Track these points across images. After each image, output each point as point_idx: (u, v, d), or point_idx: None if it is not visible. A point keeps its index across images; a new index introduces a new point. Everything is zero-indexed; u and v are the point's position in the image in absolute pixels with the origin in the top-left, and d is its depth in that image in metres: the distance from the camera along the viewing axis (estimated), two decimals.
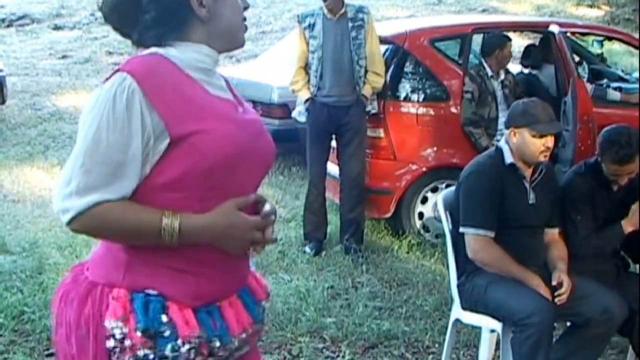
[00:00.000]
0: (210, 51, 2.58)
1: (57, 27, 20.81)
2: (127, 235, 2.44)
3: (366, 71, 7.58)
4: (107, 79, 2.41)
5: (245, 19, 2.63)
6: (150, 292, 2.46)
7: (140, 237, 2.43)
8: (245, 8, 2.64)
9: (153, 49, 2.51)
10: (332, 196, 8.10)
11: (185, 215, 2.42)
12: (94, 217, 2.38)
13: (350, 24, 7.50)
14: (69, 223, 2.41)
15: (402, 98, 7.96)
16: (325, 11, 7.53)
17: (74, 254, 7.14)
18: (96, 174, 2.35)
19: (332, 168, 7.97)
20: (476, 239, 4.74)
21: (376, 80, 7.64)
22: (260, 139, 2.61)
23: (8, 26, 21.48)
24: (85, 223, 2.39)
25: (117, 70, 2.41)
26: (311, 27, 7.53)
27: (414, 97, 8.00)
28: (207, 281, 2.54)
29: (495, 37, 8.26)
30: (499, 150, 4.89)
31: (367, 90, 7.59)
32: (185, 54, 2.51)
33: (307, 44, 7.56)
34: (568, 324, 4.91)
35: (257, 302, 2.75)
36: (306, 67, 7.64)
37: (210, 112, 2.46)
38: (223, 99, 2.57)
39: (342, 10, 7.53)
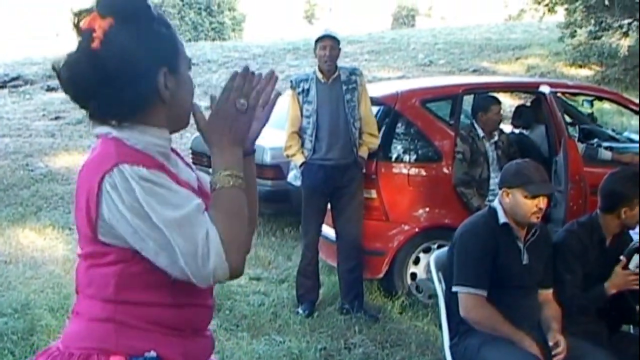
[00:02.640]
0: (167, 134, 2.56)
1: (50, 89, 20.87)
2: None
3: (361, 132, 7.60)
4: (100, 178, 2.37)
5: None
6: (148, 355, 2.45)
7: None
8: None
9: (107, 129, 2.47)
10: (325, 258, 8.08)
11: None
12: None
13: (344, 87, 7.53)
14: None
15: (394, 159, 7.97)
16: (319, 75, 7.56)
17: (65, 315, 7.10)
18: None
19: (326, 230, 7.95)
20: (469, 298, 4.73)
21: (372, 141, 7.68)
22: None
23: (1, 87, 21.57)
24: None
25: (110, 169, 2.36)
26: (305, 92, 7.55)
27: (406, 157, 8.00)
28: (192, 344, 2.56)
29: (483, 99, 8.31)
30: (493, 210, 4.91)
31: (363, 152, 7.61)
32: (145, 138, 2.47)
33: (301, 108, 7.58)
34: None
35: None
36: (299, 132, 7.64)
37: None
38: (189, 182, 2.57)
39: (335, 74, 7.57)
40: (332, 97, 7.52)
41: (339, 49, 7.63)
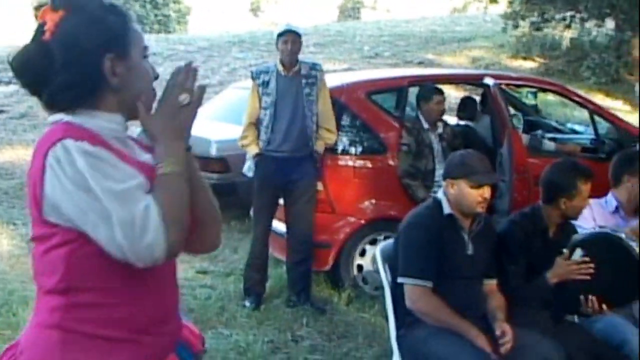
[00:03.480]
0: (122, 120, 2.57)
1: None
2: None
3: (318, 127, 7.61)
4: (43, 156, 2.36)
5: (154, 89, 2.62)
6: None
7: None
8: (156, 77, 2.63)
9: (60, 116, 2.48)
10: (273, 251, 8.06)
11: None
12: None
13: (303, 81, 7.52)
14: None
15: (339, 151, 7.97)
16: (280, 68, 7.55)
17: (10, 311, 7.02)
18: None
19: (275, 224, 7.92)
20: (414, 289, 4.75)
21: (329, 136, 7.68)
22: None
23: None
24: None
25: (53, 144, 2.36)
26: (265, 84, 7.53)
27: (352, 150, 8.01)
28: (141, 347, 2.52)
29: (427, 91, 8.33)
30: (437, 201, 4.93)
31: (319, 146, 7.60)
32: (96, 122, 2.49)
33: (260, 100, 7.56)
34: None
35: (194, 354, 2.74)
36: (256, 123, 7.62)
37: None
38: (145, 163, 2.56)
39: (296, 67, 7.57)
40: (292, 91, 7.51)
41: (301, 43, 7.63)
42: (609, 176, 5.93)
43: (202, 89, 2.52)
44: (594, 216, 5.56)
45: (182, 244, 2.40)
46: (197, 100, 2.49)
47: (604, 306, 4.96)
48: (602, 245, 4.96)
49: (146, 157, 2.59)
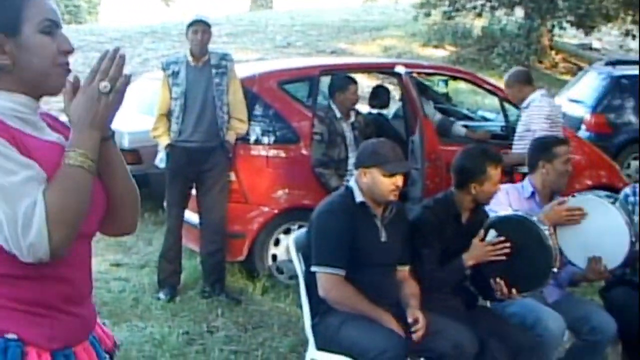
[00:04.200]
0: (28, 99, 2.51)
1: None
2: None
3: (229, 117, 7.58)
4: None
5: (66, 63, 2.54)
6: (9, 336, 2.39)
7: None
8: (68, 52, 2.55)
9: None
10: (187, 242, 8.02)
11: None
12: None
13: (213, 71, 7.49)
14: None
15: (252, 141, 7.95)
16: (190, 58, 7.51)
17: None
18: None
19: (189, 215, 7.88)
20: (328, 278, 4.76)
21: (240, 126, 7.66)
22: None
23: None
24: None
25: None
26: (175, 74, 7.48)
27: (264, 139, 7.99)
28: (60, 324, 2.49)
29: (338, 79, 8.35)
30: (349, 190, 4.95)
31: (230, 137, 7.58)
32: None
33: (170, 91, 7.51)
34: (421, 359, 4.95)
35: (106, 351, 2.72)
36: (168, 114, 7.56)
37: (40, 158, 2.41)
38: (51, 143, 2.51)
39: (206, 57, 7.53)
40: (202, 81, 7.47)
41: (210, 33, 7.59)
42: (526, 162, 6.01)
43: (127, 77, 2.45)
44: (510, 201, 5.62)
45: (69, 245, 2.35)
46: (118, 89, 2.42)
47: (514, 290, 5.04)
48: (515, 227, 5.04)
49: (55, 137, 2.55)
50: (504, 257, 4.98)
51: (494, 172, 5.16)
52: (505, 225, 5.05)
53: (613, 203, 5.37)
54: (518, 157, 7.63)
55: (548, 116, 8.07)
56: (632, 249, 5.32)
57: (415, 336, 4.64)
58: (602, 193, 5.66)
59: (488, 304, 5.48)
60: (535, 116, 8.11)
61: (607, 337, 5.45)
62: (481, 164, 5.15)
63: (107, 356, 2.74)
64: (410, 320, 4.70)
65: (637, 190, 5.92)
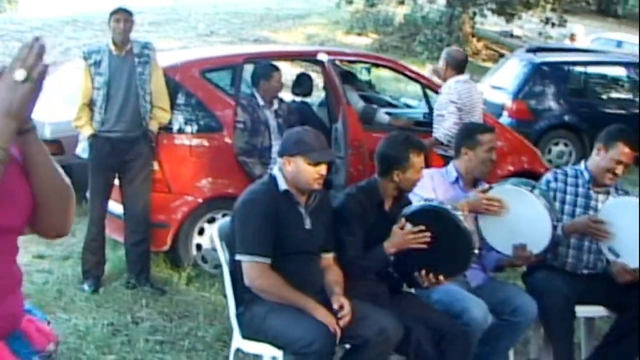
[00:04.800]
0: None
1: None
2: None
3: (152, 107, 7.52)
4: None
5: None
6: None
7: None
8: None
9: None
10: (111, 233, 7.95)
11: None
12: None
13: (136, 60, 7.43)
14: None
15: (175, 130, 7.92)
16: (112, 48, 7.43)
17: None
18: None
19: (112, 206, 7.81)
20: (252, 267, 4.76)
21: (163, 115, 7.62)
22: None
23: None
24: None
25: None
26: (97, 64, 7.40)
27: (187, 128, 7.97)
28: None
29: (263, 68, 8.34)
30: (273, 178, 4.94)
31: (153, 126, 7.53)
32: None
33: (93, 80, 7.42)
34: (347, 346, 4.97)
35: (35, 352, 2.67)
36: (90, 104, 7.48)
37: None
38: None
39: (128, 47, 7.46)
40: (124, 70, 7.41)
41: (132, 22, 7.53)
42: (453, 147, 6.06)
43: (44, 66, 2.41)
44: (434, 186, 5.67)
45: None
46: (35, 78, 2.39)
47: (441, 277, 5.09)
48: (429, 217, 5.07)
49: None
50: (424, 246, 5.02)
51: (417, 160, 5.19)
52: (419, 217, 5.08)
53: (532, 190, 5.43)
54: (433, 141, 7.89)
55: (454, 101, 8.24)
56: (554, 234, 5.41)
57: (341, 322, 4.66)
58: (521, 181, 5.71)
59: (413, 290, 5.52)
60: (444, 102, 8.31)
61: (528, 319, 5.55)
62: (404, 152, 5.18)
63: (36, 357, 2.69)
64: (335, 306, 4.72)
65: (559, 175, 6.01)
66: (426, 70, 9.83)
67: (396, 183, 5.21)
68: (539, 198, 5.38)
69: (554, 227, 5.38)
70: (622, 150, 5.77)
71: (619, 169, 5.81)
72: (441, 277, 5.08)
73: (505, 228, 5.45)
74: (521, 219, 5.42)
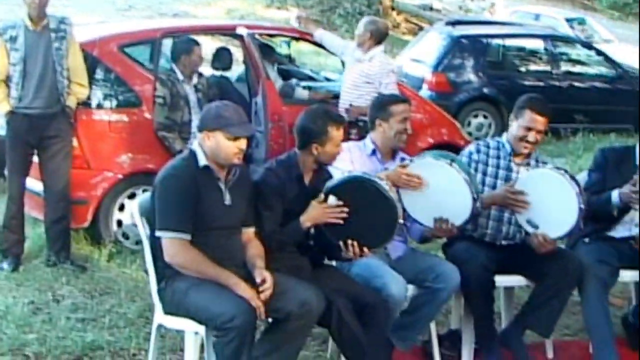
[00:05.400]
0: None
1: None
2: None
3: (70, 82, 7.43)
4: None
5: None
6: None
7: None
8: None
9: None
10: (29, 210, 7.86)
11: None
12: None
13: (52, 35, 7.31)
14: None
15: (93, 106, 7.85)
16: (28, 23, 7.31)
17: None
18: None
19: (31, 183, 7.71)
20: (172, 243, 4.74)
21: (80, 91, 7.53)
22: None
23: None
24: None
25: None
26: (13, 39, 7.27)
27: (106, 104, 7.92)
28: None
29: (182, 42, 8.30)
30: (192, 153, 4.91)
31: (71, 101, 7.44)
32: None
33: (8, 56, 7.30)
34: (269, 320, 4.98)
35: None
36: (6, 80, 7.36)
37: None
38: None
39: (44, 22, 7.34)
40: (41, 46, 7.30)
41: None
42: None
43: None
44: (352, 159, 5.69)
45: None
46: None
47: (365, 249, 5.12)
48: (354, 189, 5.09)
49: None
50: (341, 222, 5.05)
51: (336, 133, 5.20)
52: (343, 189, 5.10)
53: (451, 163, 5.48)
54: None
55: (394, 70, 8.37)
56: (475, 206, 5.47)
57: (262, 296, 4.66)
58: (441, 153, 5.76)
59: (334, 263, 5.55)
60: (381, 72, 8.43)
61: (450, 286, 5.58)
62: (323, 125, 5.18)
63: None
64: (258, 280, 4.71)
65: (481, 147, 6.08)
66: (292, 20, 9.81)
67: (315, 156, 5.22)
68: (459, 171, 5.43)
69: (474, 200, 5.43)
70: (531, 117, 5.88)
71: (531, 136, 5.90)
72: (365, 249, 5.12)
73: (426, 201, 5.49)
74: (442, 192, 5.46)
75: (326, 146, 5.18)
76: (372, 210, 5.06)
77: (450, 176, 5.44)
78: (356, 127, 8.13)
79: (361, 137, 7.50)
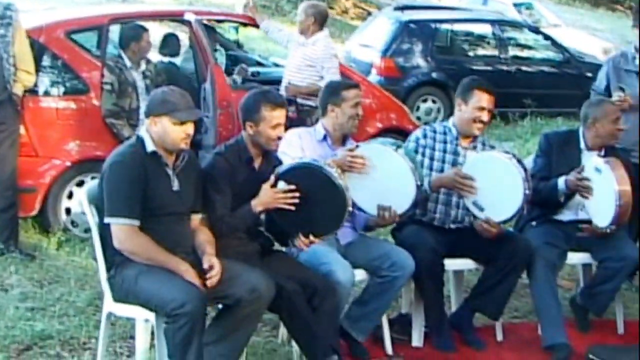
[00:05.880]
0: None
1: None
2: None
3: (16, 69, 7.34)
4: None
5: None
6: None
7: None
8: None
9: None
10: None
11: None
12: None
13: None
14: None
15: (41, 93, 7.79)
16: None
17: None
18: None
19: None
20: (121, 229, 4.72)
21: (27, 78, 7.44)
22: None
23: None
24: None
25: None
26: None
27: (53, 91, 7.88)
28: None
29: (130, 29, 8.26)
30: (140, 139, 4.89)
31: (18, 89, 7.34)
32: None
33: None
34: (220, 306, 4.99)
35: None
36: None
37: None
38: None
39: None
40: None
41: None
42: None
43: None
44: (302, 145, 5.69)
45: None
46: None
47: (313, 238, 5.14)
48: (303, 174, 5.11)
49: None
50: (292, 207, 5.07)
51: (270, 114, 5.19)
52: (293, 174, 5.12)
53: (396, 150, 5.50)
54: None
55: (336, 55, 8.39)
56: (419, 192, 5.50)
57: (209, 282, 4.67)
58: (388, 140, 5.79)
59: (284, 248, 5.56)
60: (325, 56, 8.42)
61: (406, 273, 5.62)
62: (256, 104, 5.20)
63: None
64: (205, 266, 4.72)
65: (428, 132, 6.12)
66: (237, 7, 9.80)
67: (251, 136, 5.22)
68: (404, 158, 5.45)
69: (418, 187, 5.46)
70: (481, 97, 5.96)
71: (484, 116, 5.99)
72: (313, 238, 5.14)
73: (370, 187, 5.50)
74: (386, 179, 5.49)
75: (260, 126, 5.18)
76: (321, 198, 5.08)
77: (395, 162, 5.47)
78: (294, 105, 8.20)
79: (299, 116, 7.57)
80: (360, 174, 5.49)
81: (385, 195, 5.51)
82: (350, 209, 5.17)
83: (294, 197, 5.06)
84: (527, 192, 5.57)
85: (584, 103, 6.54)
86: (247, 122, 5.23)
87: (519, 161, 5.67)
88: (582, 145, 6.32)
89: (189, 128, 4.85)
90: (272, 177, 5.11)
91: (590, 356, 5.65)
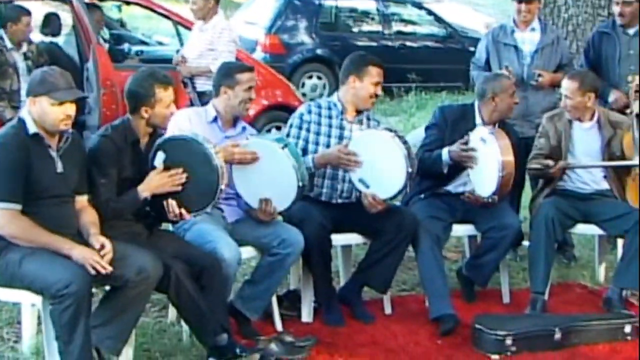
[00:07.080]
0: None
1: None
2: None
3: None
4: None
5: None
6: None
7: None
8: None
9: None
10: None
11: None
12: None
13: None
14: None
15: None
16: None
17: None
18: None
19: None
20: (2, 213, 4.63)
21: None
22: None
23: None
24: None
25: None
26: None
27: None
28: None
29: (10, 9, 8.12)
30: (21, 121, 4.80)
31: None
32: None
33: None
34: (107, 288, 4.94)
35: None
36: None
37: None
38: None
39: None
40: None
41: None
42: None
43: None
44: (192, 126, 5.65)
45: None
46: None
47: (183, 211, 5.14)
48: (182, 147, 5.12)
49: None
50: (179, 188, 5.07)
51: (164, 94, 5.17)
52: (172, 146, 5.12)
53: (283, 148, 5.50)
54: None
55: (235, 40, 8.34)
56: (299, 192, 5.55)
57: (105, 259, 4.60)
58: (280, 137, 5.81)
59: (170, 227, 5.53)
60: (224, 40, 8.35)
61: (297, 250, 5.65)
62: (149, 87, 5.15)
63: None
64: (97, 246, 4.66)
65: (312, 108, 6.14)
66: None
67: (147, 120, 5.18)
68: (288, 157, 5.47)
69: (299, 188, 5.50)
70: (376, 71, 6.05)
71: (378, 89, 6.09)
72: (184, 212, 5.14)
73: (254, 180, 5.54)
74: (270, 174, 5.51)
75: (156, 108, 5.15)
76: (197, 173, 5.09)
77: (279, 160, 5.48)
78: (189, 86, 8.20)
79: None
80: (246, 167, 5.49)
81: (267, 190, 5.55)
82: (222, 188, 5.14)
83: (181, 178, 5.05)
84: (409, 170, 5.64)
85: (480, 79, 6.67)
86: (142, 107, 5.16)
87: (401, 139, 5.74)
88: (478, 120, 6.41)
89: (69, 109, 4.76)
90: (157, 159, 5.08)
91: (477, 325, 5.74)
